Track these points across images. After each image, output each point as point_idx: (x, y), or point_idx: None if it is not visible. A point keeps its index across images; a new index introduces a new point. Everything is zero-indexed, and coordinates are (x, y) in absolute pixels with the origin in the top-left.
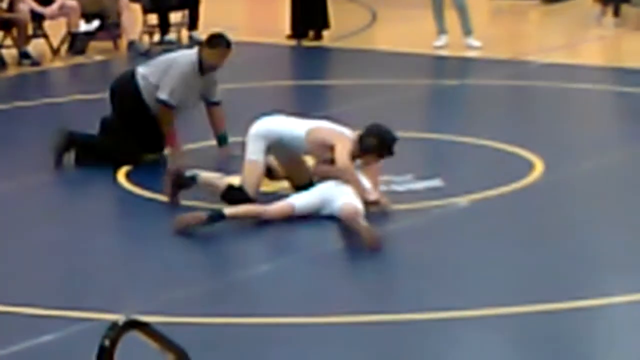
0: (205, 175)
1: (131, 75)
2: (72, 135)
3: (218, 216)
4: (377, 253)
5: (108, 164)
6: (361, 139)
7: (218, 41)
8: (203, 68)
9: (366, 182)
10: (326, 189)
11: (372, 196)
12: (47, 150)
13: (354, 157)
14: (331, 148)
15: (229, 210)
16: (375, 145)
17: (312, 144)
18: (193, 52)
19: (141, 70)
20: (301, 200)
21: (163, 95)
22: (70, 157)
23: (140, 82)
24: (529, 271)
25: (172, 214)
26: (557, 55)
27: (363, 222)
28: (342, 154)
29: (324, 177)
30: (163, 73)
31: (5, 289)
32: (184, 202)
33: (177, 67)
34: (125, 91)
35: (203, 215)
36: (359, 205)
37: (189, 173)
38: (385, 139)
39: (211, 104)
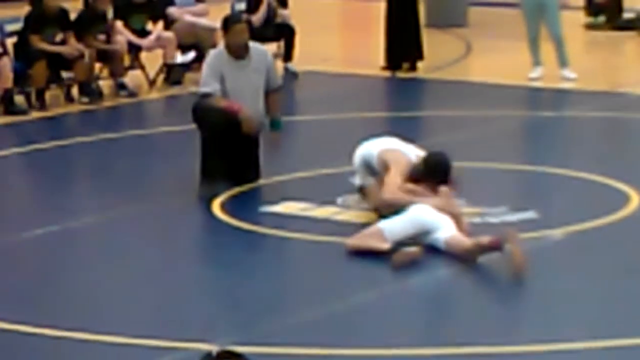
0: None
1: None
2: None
3: None
4: (471, 276)
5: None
6: (415, 166)
7: (227, 23)
8: (234, 52)
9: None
10: (418, 215)
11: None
12: (144, 180)
13: (413, 182)
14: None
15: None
16: (423, 172)
17: (378, 165)
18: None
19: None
20: (389, 225)
21: (199, 89)
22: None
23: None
24: (625, 304)
25: (268, 245)
26: None
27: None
28: (391, 180)
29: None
30: None
31: (99, 318)
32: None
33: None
34: (199, 112)
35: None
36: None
37: None
38: (434, 166)
39: (270, 92)
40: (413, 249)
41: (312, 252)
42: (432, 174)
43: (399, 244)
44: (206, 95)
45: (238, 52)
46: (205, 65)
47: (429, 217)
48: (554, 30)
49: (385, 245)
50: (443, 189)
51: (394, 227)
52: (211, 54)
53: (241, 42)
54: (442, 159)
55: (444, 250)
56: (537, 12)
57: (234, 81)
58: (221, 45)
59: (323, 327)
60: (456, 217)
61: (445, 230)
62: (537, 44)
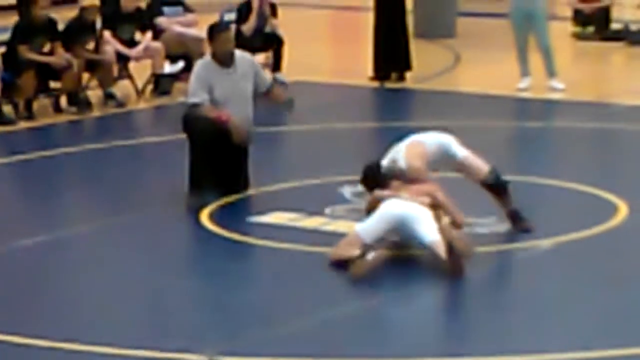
0: None
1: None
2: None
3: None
4: (461, 286)
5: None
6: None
7: (213, 31)
8: (220, 61)
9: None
10: (387, 210)
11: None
12: (133, 190)
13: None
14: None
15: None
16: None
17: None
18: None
19: None
20: (364, 226)
21: (188, 99)
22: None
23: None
24: (613, 314)
25: (257, 256)
26: None
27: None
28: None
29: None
30: None
31: (86, 329)
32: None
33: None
34: (188, 123)
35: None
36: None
37: None
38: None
39: (263, 94)
40: (372, 257)
41: (300, 262)
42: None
43: (370, 248)
44: (195, 106)
45: (225, 60)
46: (192, 76)
47: (398, 209)
48: (542, 41)
49: (356, 252)
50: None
51: (368, 227)
52: (198, 64)
53: (227, 50)
54: (369, 166)
55: (428, 245)
56: (525, 23)
57: (222, 89)
58: (208, 54)
59: (311, 338)
60: (444, 206)
61: (424, 222)
62: (526, 54)
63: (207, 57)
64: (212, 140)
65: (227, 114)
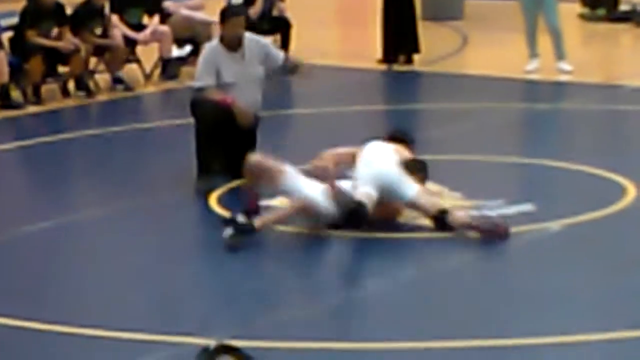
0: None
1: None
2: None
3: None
4: (468, 268)
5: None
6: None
7: (226, 14)
8: (229, 45)
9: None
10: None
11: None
12: (141, 175)
13: None
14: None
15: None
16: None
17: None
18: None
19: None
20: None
21: (194, 83)
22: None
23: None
24: (621, 296)
25: (265, 239)
26: None
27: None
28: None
29: None
30: None
31: (95, 314)
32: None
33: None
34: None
35: None
36: None
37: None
38: None
39: (282, 72)
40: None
41: (309, 246)
42: None
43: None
44: (200, 90)
45: (232, 45)
46: (200, 59)
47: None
48: (552, 22)
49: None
50: None
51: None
52: (206, 47)
53: (237, 35)
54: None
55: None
56: (535, 4)
57: (230, 73)
58: (216, 38)
59: (321, 321)
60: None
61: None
62: (535, 36)
63: (215, 40)
64: (218, 124)
65: (231, 97)
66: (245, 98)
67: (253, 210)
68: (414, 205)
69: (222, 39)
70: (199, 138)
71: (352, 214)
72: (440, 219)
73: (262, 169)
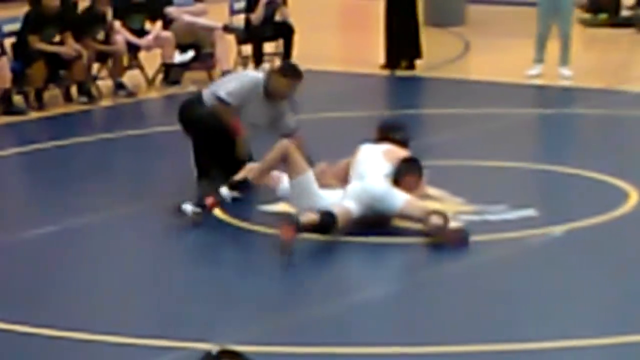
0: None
1: (197, 99)
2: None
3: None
4: (471, 272)
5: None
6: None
7: (289, 70)
8: (269, 92)
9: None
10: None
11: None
12: (143, 180)
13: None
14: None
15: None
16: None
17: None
18: (261, 73)
19: (207, 90)
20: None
21: (221, 93)
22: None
23: (206, 98)
24: (623, 301)
25: (267, 244)
26: None
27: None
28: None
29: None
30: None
31: (98, 318)
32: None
33: (240, 77)
34: (195, 112)
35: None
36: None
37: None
38: None
39: (282, 136)
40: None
41: (311, 250)
42: None
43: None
44: (223, 102)
45: (273, 97)
46: (243, 81)
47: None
48: (565, 30)
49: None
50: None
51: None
52: (254, 77)
53: (284, 94)
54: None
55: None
56: (553, 11)
57: (254, 115)
58: (260, 76)
59: (323, 326)
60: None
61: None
62: (546, 42)
63: (260, 77)
64: (216, 136)
65: (243, 128)
66: (249, 131)
67: (209, 209)
68: (403, 216)
69: (268, 86)
70: (196, 145)
71: (319, 223)
72: (427, 221)
73: (290, 156)
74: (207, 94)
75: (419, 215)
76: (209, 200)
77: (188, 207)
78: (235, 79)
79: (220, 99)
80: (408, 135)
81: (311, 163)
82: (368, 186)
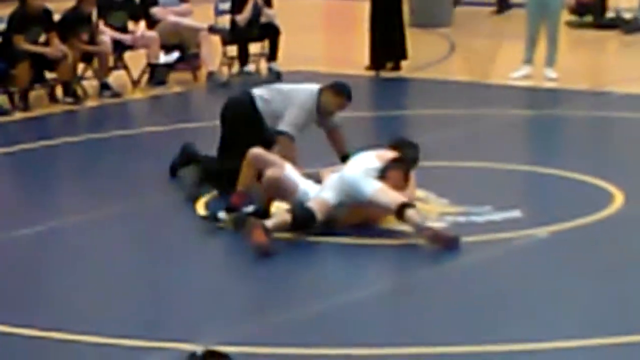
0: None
1: (249, 99)
2: (194, 155)
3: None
4: (457, 274)
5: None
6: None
7: (343, 90)
8: (322, 111)
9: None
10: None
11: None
12: (128, 180)
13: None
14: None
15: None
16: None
17: None
18: (314, 88)
19: (259, 92)
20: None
21: (286, 127)
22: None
23: (259, 103)
24: (608, 304)
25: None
26: (637, 85)
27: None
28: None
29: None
30: (284, 103)
31: (83, 318)
32: None
33: (299, 102)
34: (244, 113)
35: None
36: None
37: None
38: None
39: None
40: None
41: (298, 251)
42: None
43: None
44: (283, 135)
45: (323, 114)
46: (301, 110)
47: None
48: (552, 30)
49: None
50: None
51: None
52: (309, 100)
53: (334, 112)
54: None
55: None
56: (542, 10)
57: (306, 124)
58: (314, 93)
59: (309, 327)
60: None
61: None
62: (535, 42)
63: (315, 94)
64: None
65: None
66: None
67: (234, 208)
68: (373, 204)
69: (321, 103)
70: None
71: (296, 219)
72: (399, 212)
73: (259, 162)
74: (261, 99)
75: (387, 203)
76: (234, 199)
77: (222, 215)
78: (292, 100)
79: (284, 134)
80: (418, 156)
81: (295, 164)
82: (344, 174)
